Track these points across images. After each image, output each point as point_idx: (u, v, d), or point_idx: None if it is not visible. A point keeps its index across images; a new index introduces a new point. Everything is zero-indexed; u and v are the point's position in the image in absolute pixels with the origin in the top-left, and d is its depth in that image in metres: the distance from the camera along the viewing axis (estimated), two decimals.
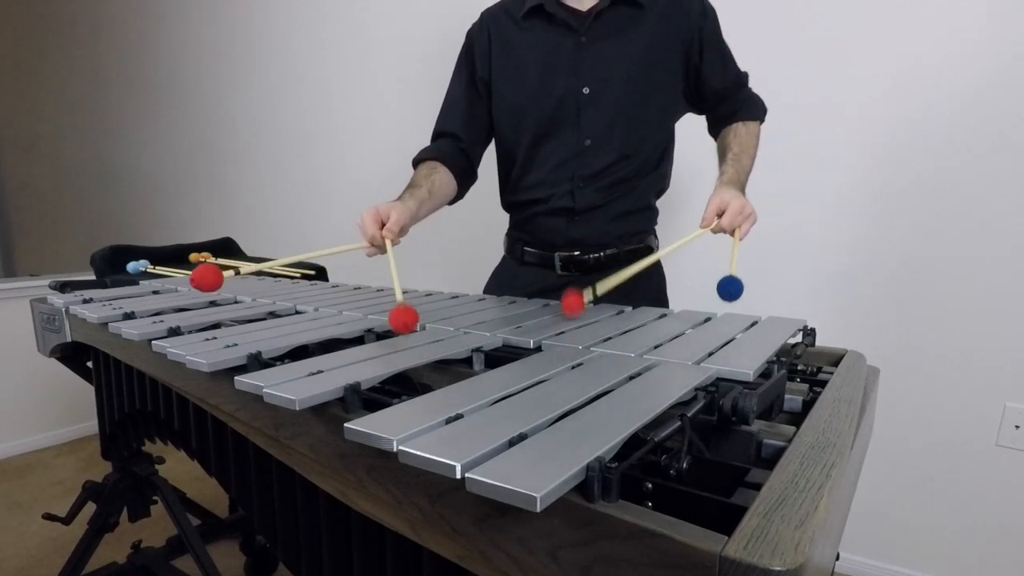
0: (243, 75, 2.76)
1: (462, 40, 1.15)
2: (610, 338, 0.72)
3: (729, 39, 1.09)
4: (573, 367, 0.60)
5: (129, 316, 0.94)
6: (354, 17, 2.31)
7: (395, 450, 0.41)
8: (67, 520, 1.34)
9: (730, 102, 1.12)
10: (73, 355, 1.24)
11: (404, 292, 1.16)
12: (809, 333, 0.79)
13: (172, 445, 1.03)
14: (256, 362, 0.66)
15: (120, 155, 3.42)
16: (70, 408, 2.64)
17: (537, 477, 0.35)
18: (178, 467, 1.63)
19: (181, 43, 2.96)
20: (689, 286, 1.45)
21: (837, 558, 0.49)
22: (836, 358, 0.75)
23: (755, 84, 1.65)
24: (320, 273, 1.65)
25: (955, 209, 1.42)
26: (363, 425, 0.44)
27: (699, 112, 1.17)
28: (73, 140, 3.69)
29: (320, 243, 1.35)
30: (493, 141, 1.18)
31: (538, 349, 0.71)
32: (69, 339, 1.13)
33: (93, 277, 1.54)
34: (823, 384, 0.62)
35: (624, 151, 1.07)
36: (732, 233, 0.91)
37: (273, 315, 0.96)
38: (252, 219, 2.81)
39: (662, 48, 1.05)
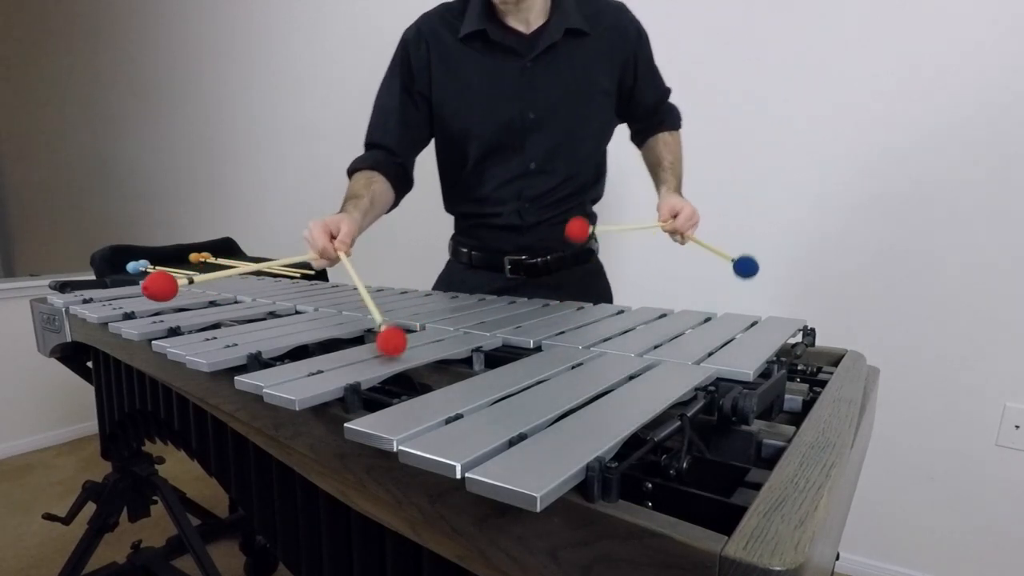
0: (243, 75, 2.76)
1: None
2: (610, 338, 0.72)
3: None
4: (573, 367, 0.60)
5: (129, 316, 0.94)
6: (354, 17, 2.31)
7: (395, 450, 0.41)
8: (67, 520, 1.34)
9: (657, 115, 1.20)
10: (73, 355, 1.24)
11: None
12: (809, 333, 0.79)
13: (172, 445, 1.03)
14: (256, 362, 0.66)
15: (120, 155, 3.42)
16: (70, 408, 2.64)
17: (537, 477, 0.35)
18: (178, 467, 1.63)
19: (181, 43, 2.96)
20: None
21: (837, 558, 0.49)
22: (836, 358, 0.75)
23: (756, 84, 1.66)
24: (320, 273, 1.65)
25: (955, 209, 1.42)
26: (363, 425, 0.44)
27: (623, 122, 1.22)
28: (73, 140, 3.69)
29: None
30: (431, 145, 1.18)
31: (538, 349, 0.71)
32: (69, 339, 1.13)
33: (93, 277, 1.54)
34: (823, 384, 0.62)
35: (567, 173, 1.12)
36: (682, 235, 1.04)
37: (273, 315, 0.96)
38: (252, 219, 2.81)
39: (602, 72, 1.10)
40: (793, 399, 0.59)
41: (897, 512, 1.56)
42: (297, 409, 0.52)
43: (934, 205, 1.44)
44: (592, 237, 1.22)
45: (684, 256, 1.75)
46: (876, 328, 1.53)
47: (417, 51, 1.08)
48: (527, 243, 1.14)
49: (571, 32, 1.05)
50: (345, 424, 0.45)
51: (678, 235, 1.04)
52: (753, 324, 0.80)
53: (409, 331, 0.81)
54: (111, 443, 1.25)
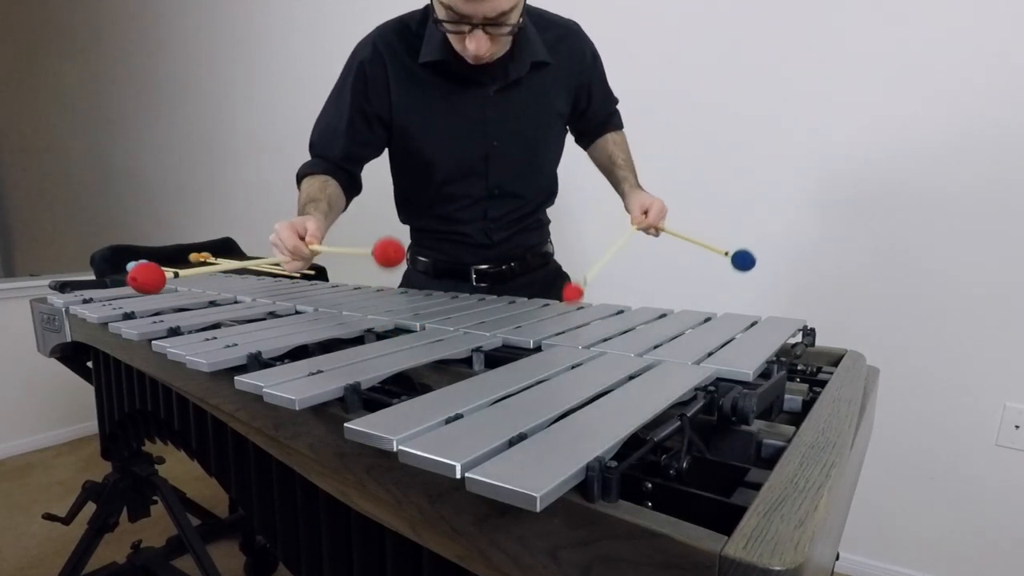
0: (243, 75, 2.76)
1: None
2: (610, 338, 0.72)
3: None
4: (573, 367, 0.60)
5: (129, 316, 0.94)
6: (355, 17, 2.31)
7: (395, 450, 0.41)
8: (67, 520, 1.34)
9: (603, 121, 1.25)
10: (73, 355, 1.24)
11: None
12: (809, 333, 0.79)
13: (172, 445, 1.03)
14: (256, 362, 0.66)
15: (120, 155, 3.42)
16: (70, 408, 2.64)
17: (537, 477, 0.35)
18: (178, 467, 1.62)
19: (181, 43, 2.96)
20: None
21: (837, 558, 0.49)
22: (836, 358, 0.75)
23: (757, 83, 1.66)
24: (320, 273, 1.65)
25: (955, 209, 1.42)
26: (363, 425, 0.44)
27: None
28: (73, 140, 3.69)
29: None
30: (384, 158, 1.17)
31: (538, 349, 0.71)
32: (69, 339, 1.13)
33: (93, 277, 1.54)
34: (823, 384, 0.62)
35: (529, 194, 1.17)
36: (652, 231, 1.09)
37: (273, 315, 0.96)
38: (252, 219, 2.81)
39: (559, 97, 1.13)
40: (793, 399, 0.59)
41: (897, 512, 1.56)
42: (297, 409, 0.52)
43: (934, 205, 1.44)
44: (550, 244, 1.29)
45: (683, 256, 1.75)
46: (876, 328, 1.53)
47: (374, 71, 1.04)
48: (493, 255, 1.18)
49: (535, 64, 1.06)
50: (345, 424, 0.45)
51: (652, 229, 1.09)
52: (753, 324, 0.80)
53: (409, 331, 0.81)
54: (111, 443, 1.25)
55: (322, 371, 0.59)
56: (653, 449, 0.42)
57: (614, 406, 0.48)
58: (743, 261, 1.03)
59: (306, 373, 0.59)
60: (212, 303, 1.07)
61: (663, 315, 0.87)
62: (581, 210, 1.79)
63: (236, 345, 0.71)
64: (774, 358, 0.63)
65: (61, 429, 2.66)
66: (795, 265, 1.62)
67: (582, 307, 0.96)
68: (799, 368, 0.69)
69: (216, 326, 0.87)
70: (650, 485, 0.40)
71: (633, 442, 0.42)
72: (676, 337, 0.72)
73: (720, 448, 0.49)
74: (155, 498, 1.36)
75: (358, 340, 0.79)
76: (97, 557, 1.38)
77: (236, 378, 0.58)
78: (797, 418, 0.53)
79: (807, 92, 1.56)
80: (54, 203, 3.93)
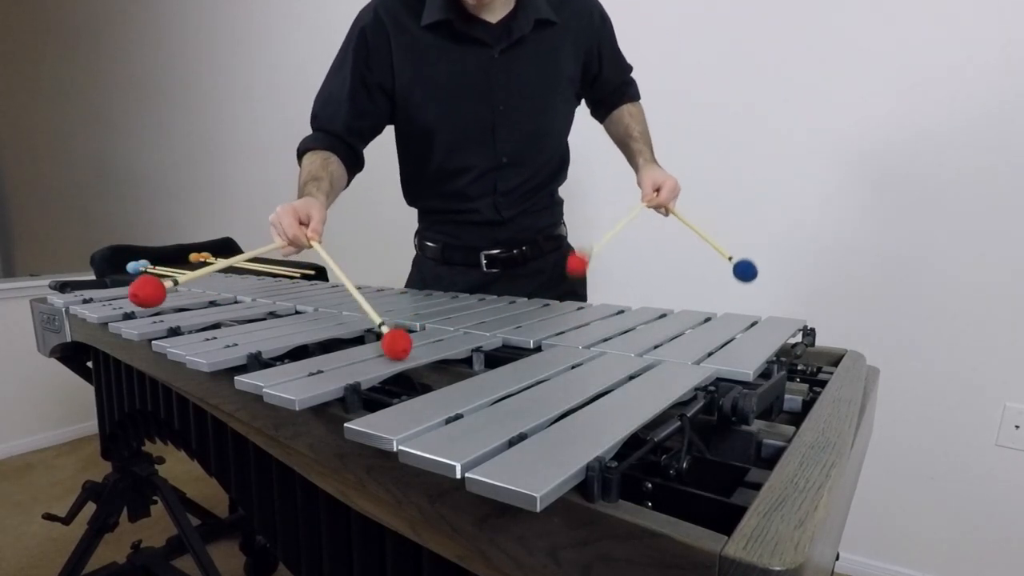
0: (243, 75, 2.76)
1: None
2: (610, 338, 0.72)
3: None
4: (573, 367, 0.60)
5: (129, 316, 0.94)
6: (355, 17, 2.31)
7: (395, 450, 0.41)
8: (67, 520, 1.34)
9: (618, 91, 1.20)
10: (73, 355, 1.24)
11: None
12: (809, 333, 0.79)
13: (172, 445, 1.03)
14: (256, 362, 0.66)
15: (120, 155, 3.42)
16: (70, 408, 2.64)
17: (537, 477, 0.35)
18: (178, 467, 1.62)
19: (181, 43, 2.96)
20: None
21: (837, 558, 0.49)
22: (836, 358, 0.75)
23: (757, 83, 1.66)
24: (320, 273, 1.65)
25: (955, 210, 1.42)
26: (363, 425, 0.44)
27: (581, 99, 1.22)
28: (73, 140, 3.69)
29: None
30: (386, 135, 1.14)
31: (538, 349, 0.71)
32: (69, 339, 1.13)
33: (93, 277, 1.54)
34: (823, 384, 0.62)
35: (538, 164, 1.12)
36: (662, 211, 1.05)
37: (273, 315, 0.96)
38: (252, 219, 2.81)
39: (567, 60, 1.09)
40: (793, 399, 0.59)
41: (897, 512, 1.56)
42: (297, 409, 0.52)
43: (934, 205, 1.44)
44: (563, 226, 1.24)
45: (683, 255, 1.75)
46: (876, 328, 1.53)
47: (376, 39, 1.02)
48: (504, 237, 1.13)
49: (539, 22, 1.03)
50: (345, 424, 0.45)
51: (662, 208, 1.05)
52: (753, 324, 0.80)
53: (409, 331, 0.81)
54: (111, 443, 1.25)
55: (322, 371, 0.59)
56: (653, 449, 0.42)
57: (614, 406, 0.48)
58: (745, 272, 1.00)
59: (306, 373, 0.59)
60: (212, 303, 1.07)
61: (663, 315, 0.87)
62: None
63: (236, 345, 0.71)
64: (774, 358, 0.63)
65: (61, 429, 2.66)
66: (795, 265, 1.62)
67: (582, 307, 0.96)
68: (799, 368, 0.69)
69: (216, 326, 0.87)
70: (650, 485, 0.40)
71: (633, 442, 0.42)
72: (676, 337, 0.72)
73: (720, 448, 0.49)
74: (155, 498, 1.36)
75: (358, 340, 0.79)
76: (97, 557, 1.38)
77: (236, 378, 0.58)
78: (797, 418, 0.53)
79: (807, 92, 1.56)
80: (54, 203, 3.93)
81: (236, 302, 1.08)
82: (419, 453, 0.39)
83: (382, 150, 1.15)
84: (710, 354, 0.63)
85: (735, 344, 0.68)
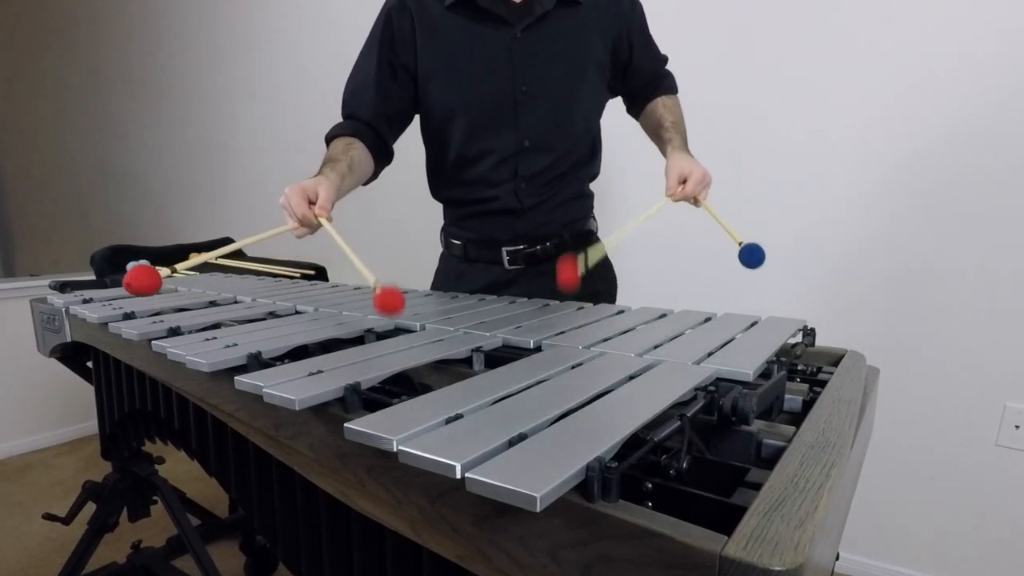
0: (244, 75, 2.76)
1: None
2: (610, 338, 0.72)
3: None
4: (573, 367, 0.60)
5: (129, 316, 0.94)
6: (355, 17, 2.31)
7: (395, 450, 0.41)
8: (67, 520, 1.34)
9: (654, 81, 1.16)
10: (73, 355, 1.24)
11: (405, 292, 1.17)
12: (809, 333, 0.79)
13: (172, 445, 1.03)
14: (256, 362, 0.66)
15: (120, 155, 3.42)
16: (70, 408, 2.64)
17: (537, 477, 0.35)
18: (178, 467, 1.62)
19: (182, 43, 2.96)
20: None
21: (837, 558, 0.49)
22: (836, 358, 0.75)
23: (755, 83, 1.66)
24: (320, 273, 1.65)
25: (955, 210, 1.42)
26: (363, 425, 0.44)
27: (617, 95, 1.19)
28: (73, 140, 3.69)
29: (319, 243, 1.35)
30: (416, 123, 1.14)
31: (538, 349, 0.71)
32: (69, 339, 1.13)
33: (93, 277, 1.54)
34: (823, 384, 0.62)
35: (562, 149, 1.07)
36: (693, 201, 0.97)
37: (273, 315, 0.96)
38: (252, 219, 2.81)
39: (594, 44, 1.05)
40: (793, 399, 0.59)
41: (897, 512, 1.56)
42: (297, 409, 0.52)
43: (934, 205, 1.44)
44: (593, 221, 1.18)
45: (684, 255, 1.75)
46: (876, 328, 1.53)
47: (400, 22, 1.02)
48: (525, 230, 1.10)
49: (563, 1, 1.02)
50: (345, 424, 0.45)
51: (690, 200, 0.98)
52: (753, 324, 0.80)
53: (409, 331, 0.81)
54: (111, 443, 1.25)
55: (322, 371, 0.59)
56: (653, 449, 0.42)
57: (614, 406, 0.48)
58: (751, 257, 0.94)
59: (306, 373, 0.59)
60: (212, 303, 1.07)
61: (663, 315, 0.87)
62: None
63: (236, 345, 0.71)
64: (774, 358, 0.63)
65: (61, 429, 2.66)
66: (795, 265, 1.62)
67: (582, 307, 0.96)
68: (799, 368, 0.69)
69: (216, 326, 0.87)
70: (650, 485, 0.40)
71: (633, 442, 0.42)
72: (676, 337, 0.72)
73: (720, 448, 0.49)
74: (155, 498, 1.36)
75: (358, 340, 0.79)
76: (97, 557, 1.38)
77: (236, 378, 0.58)
78: (797, 418, 0.53)
79: (806, 92, 1.56)
80: (54, 203, 3.93)
81: (236, 302, 1.08)
82: (419, 453, 0.39)
83: (409, 150, 1.15)
84: (710, 354, 0.63)
85: (735, 344, 0.68)
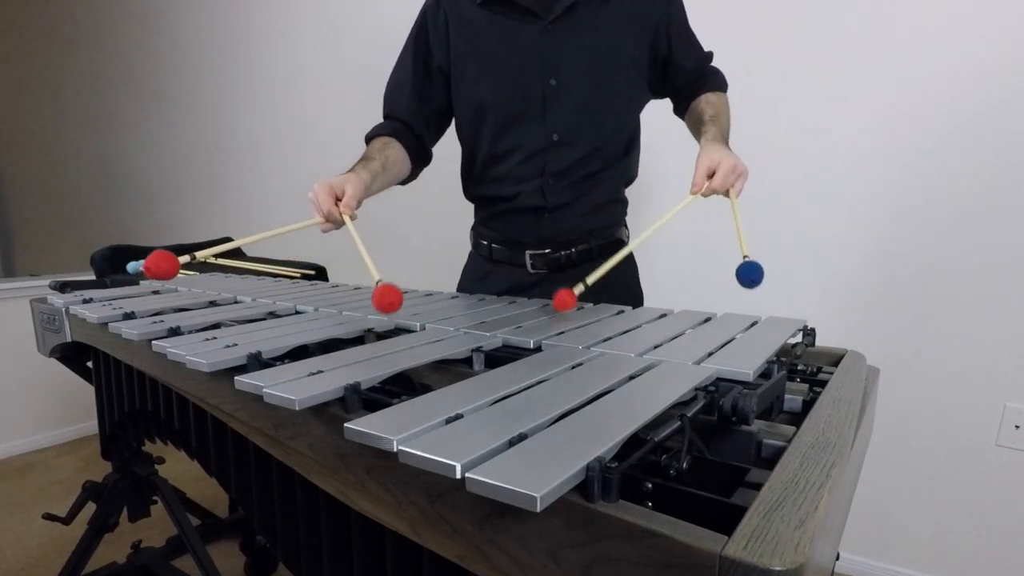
0: (243, 75, 2.76)
1: None
2: (610, 338, 0.72)
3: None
4: (573, 367, 0.60)
5: (129, 316, 0.94)
6: (355, 17, 2.31)
7: (395, 450, 0.41)
8: (67, 520, 1.34)
9: (699, 80, 1.11)
10: (73, 355, 1.24)
11: (405, 292, 1.17)
12: (809, 333, 0.79)
13: (172, 445, 1.03)
14: (256, 362, 0.66)
15: (120, 155, 3.42)
16: (70, 408, 2.64)
17: (537, 477, 0.35)
18: (178, 467, 1.62)
19: (181, 43, 2.96)
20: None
21: (837, 558, 0.49)
22: (836, 358, 0.75)
23: (756, 83, 1.65)
24: (320, 273, 1.65)
25: (956, 210, 1.42)
26: (363, 425, 0.44)
27: (662, 96, 1.16)
28: (73, 140, 3.69)
29: (319, 243, 1.35)
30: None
31: (538, 349, 0.70)
32: (69, 339, 1.13)
33: (93, 277, 1.54)
34: (823, 384, 0.62)
35: (592, 145, 1.04)
36: (726, 194, 0.89)
37: (273, 315, 0.96)
38: (252, 219, 2.81)
39: (629, 39, 1.03)
40: (793, 399, 0.59)
41: (897, 512, 1.56)
42: (297, 409, 0.52)
43: (935, 206, 1.44)
44: (624, 230, 1.12)
45: (685, 255, 1.75)
46: (876, 328, 1.53)
47: (435, 22, 1.05)
48: (549, 233, 1.07)
49: None
50: (345, 424, 0.45)
51: (721, 194, 0.90)
52: (753, 324, 0.80)
53: (409, 331, 0.81)
54: (111, 443, 1.25)
55: (322, 371, 0.59)
56: (653, 449, 0.42)
57: (614, 406, 0.48)
58: (748, 274, 0.84)
59: (306, 373, 0.59)
60: (212, 303, 1.07)
61: (663, 315, 0.87)
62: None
63: (236, 345, 0.71)
64: (774, 358, 0.63)
65: (61, 429, 2.66)
66: (795, 265, 1.62)
67: (582, 307, 0.96)
68: (799, 368, 0.69)
69: (216, 326, 0.87)
70: (650, 485, 0.40)
71: (633, 442, 0.42)
72: (676, 337, 0.72)
73: (720, 448, 0.49)
74: (155, 498, 1.36)
75: (358, 340, 0.79)
76: (97, 557, 1.38)
77: (236, 378, 0.58)
78: (797, 418, 0.53)
79: (807, 92, 1.56)
80: (54, 203, 3.93)
81: (236, 302, 1.08)
82: (419, 453, 0.39)
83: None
84: (710, 354, 0.63)
85: (735, 344, 0.68)
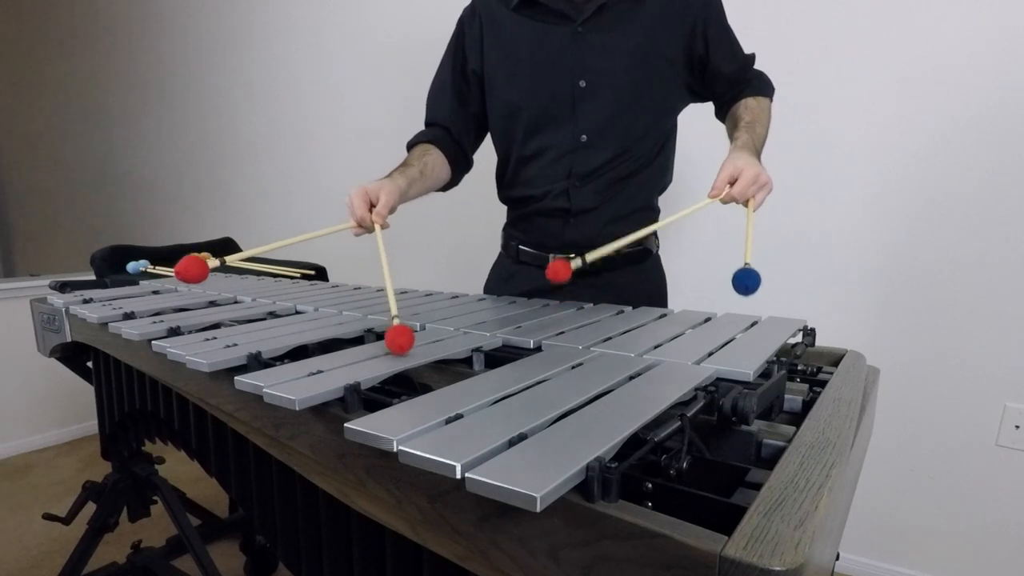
0: (243, 75, 2.76)
1: None
2: (610, 338, 0.72)
3: (750, 32, 1.06)
4: (573, 367, 0.60)
5: (129, 316, 0.94)
6: (355, 17, 2.31)
7: (395, 450, 0.41)
8: (67, 520, 1.34)
9: (740, 84, 1.08)
10: (73, 355, 1.24)
11: (404, 292, 1.17)
12: (809, 333, 0.79)
13: (172, 445, 1.03)
14: (256, 362, 0.66)
15: (120, 155, 3.43)
16: (70, 408, 2.64)
17: (537, 477, 0.35)
18: (178, 467, 1.63)
19: (181, 43, 2.96)
20: (691, 285, 1.42)
21: (837, 558, 0.49)
22: (836, 358, 0.75)
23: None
24: (320, 273, 1.65)
25: (956, 209, 1.42)
26: (363, 425, 0.44)
27: (704, 100, 1.13)
28: (73, 140, 3.69)
29: (319, 243, 1.35)
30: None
31: (538, 349, 0.71)
32: (69, 339, 1.13)
33: (93, 277, 1.54)
34: (823, 384, 0.62)
35: (621, 147, 1.03)
36: (745, 204, 0.87)
37: (273, 315, 0.96)
38: (252, 219, 2.81)
39: (662, 39, 1.02)
40: (793, 399, 0.59)
41: (897, 512, 1.56)
42: (297, 409, 0.52)
43: (935, 206, 1.44)
44: (653, 239, 1.10)
45: (685, 255, 1.75)
46: (876, 328, 1.53)
47: (471, 28, 1.07)
48: (573, 237, 1.06)
49: None
50: (345, 424, 0.45)
51: (740, 203, 0.88)
52: (753, 324, 0.80)
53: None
54: (111, 443, 1.25)
55: (322, 371, 0.59)
56: (653, 449, 0.42)
57: (614, 406, 0.48)
58: (744, 280, 0.80)
59: (306, 373, 0.59)
60: (212, 303, 1.07)
61: (663, 315, 0.87)
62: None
63: (236, 345, 0.71)
64: (774, 358, 0.63)
65: (61, 429, 2.66)
66: (796, 265, 1.62)
67: (582, 307, 0.96)
68: (799, 368, 0.69)
69: (216, 326, 0.87)
70: (650, 485, 0.40)
71: (633, 442, 0.42)
72: (676, 337, 0.72)
73: (720, 448, 0.49)
74: (155, 498, 1.36)
75: (358, 340, 0.79)
76: (97, 557, 1.38)
77: (236, 378, 0.58)
78: (797, 418, 0.53)
79: (808, 92, 1.56)
80: (54, 203, 3.94)
81: (236, 302, 1.08)
82: (419, 453, 0.39)
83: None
84: (710, 354, 0.63)
85: (735, 344, 0.68)
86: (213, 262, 0.68)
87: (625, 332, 0.75)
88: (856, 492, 0.65)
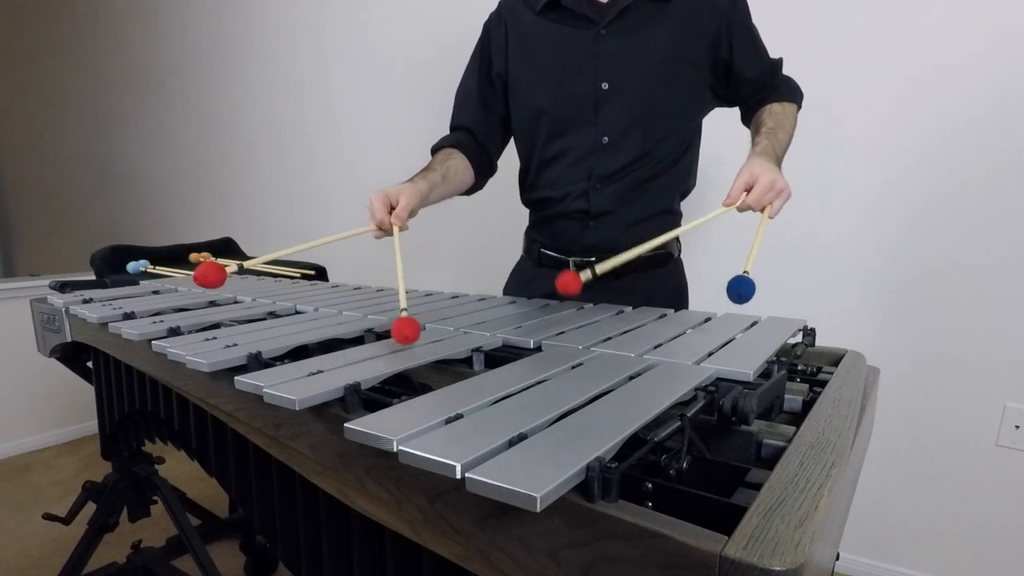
0: (243, 75, 2.76)
1: (463, 41, 1.15)
2: (610, 338, 0.72)
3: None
4: (573, 367, 0.60)
5: (129, 316, 0.94)
6: (355, 18, 2.31)
7: (395, 450, 0.41)
8: (67, 520, 1.34)
9: (765, 90, 1.07)
10: (73, 355, 1.24)
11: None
12: (809, 333, 0.79)
13: (172, 445, 1.03)
14: (256, 362, 0.66)
15: (120, 155, 3.43)
16: (70, 408, 2.64)
17: (537, 477, 0.35)
18: (178, 467, 1.62)
19: (182, 43, 2.97)
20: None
21: (837, 558, 0.49)
22: (836, 358, 0.75)
23: None
24: (320, 273, 1.65)
25: (955, 210, 1.42)
26: (363, 425, 0.44)
27: (731, 105, 1.13)
28: (73, 140, 3.69)
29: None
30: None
31: (538, 349, 0.71)
32: (69, 339, 1.13)
33: (93, 277, 1.54)
34: (823, 384, 0.62)
35: (643, 149, 1.02)
36: (762, 211, 0.86)
37: (273, 315, 0.96)
38: (252, 219, 2.81)
39: (686, 42, 1.01)
40: (793, 399, 0.59)
41: (897, 512, 1.56)
42: (297, 409, 0.52)
43: (935, 206, 1.44)
44: (675, 243, 1.09)
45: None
46: (876, 328, 1.53)
47: (497, 33, 1.08)
48: (593, 241, 1.06)
49: None
50: (345, 424, 0.45)
51: (759, 211, 0.87)
52: (753, 324, 0.80)
53: None
54: (111, 443, 1.25)
55: (322, 371, 0.59)
56: (653, 449, 0.42)
57: (614, 406, 0.48)
58: (738, 288, 0.78)
59: (306, 373, 0.59)
60: (212, 303, 1.07)
61: (663, 315, 0.87)
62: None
63: (236, 345, 0.71)
64: (774, 358, 0.63)
65: (61, 429, 2.66)
66: (796, 265, 1.62)
67: (582, 307, 0.96)
68: (799, 368, 0.69)
69: (216, 326, 0.87)
70: (650, 485, 0.40)
71: (633, 442, 0.42)
72: (676, 337, 0.72)
73: (720, 448, 0.49)
74: (155, 498, 1.36)
75: (358, 340, 0.79)
76: (97, 557, 1.38)
77: (236, 378, 0.58)
78: (797, 418, 0.53)
79: (808, 92, 1.56)
80: (54, 203, 3.94)
81: (236, 302, 1.08)
82: (419, 453, 0.39)
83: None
84: (710, 354, 0.63)
85: (735, 344, 0.68)
86: (232, 267, 0.68)
87: (625, 332, 0.75)
88: (856, 492, 0.65)
